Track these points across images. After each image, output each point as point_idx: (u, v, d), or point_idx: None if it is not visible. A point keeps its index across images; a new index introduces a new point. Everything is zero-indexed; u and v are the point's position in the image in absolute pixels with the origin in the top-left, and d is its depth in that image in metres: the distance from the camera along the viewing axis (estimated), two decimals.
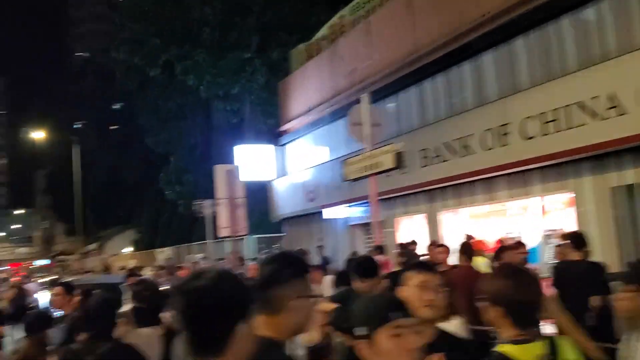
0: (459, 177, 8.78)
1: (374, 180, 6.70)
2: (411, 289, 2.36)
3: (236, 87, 20.35)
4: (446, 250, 5.76)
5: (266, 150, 15.55)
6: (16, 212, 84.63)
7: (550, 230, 8.29)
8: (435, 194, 9.72)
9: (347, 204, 11.83)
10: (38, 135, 39.84)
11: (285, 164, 15.34)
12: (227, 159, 15.41)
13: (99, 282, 11.30)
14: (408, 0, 10.44)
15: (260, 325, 1.51)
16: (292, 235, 15.24)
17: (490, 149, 8.14)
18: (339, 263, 10.93)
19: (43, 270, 36.90)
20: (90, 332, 2.62)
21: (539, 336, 1.85)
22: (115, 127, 39.37)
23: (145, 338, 2.72)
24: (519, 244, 5.06)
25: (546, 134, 7.33)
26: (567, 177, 7.53)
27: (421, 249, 8.17)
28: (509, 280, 1.88)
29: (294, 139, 14.97)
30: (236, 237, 10.26)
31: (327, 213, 12.27)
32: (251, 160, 14.44)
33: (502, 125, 7.93)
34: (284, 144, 15.47)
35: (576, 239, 5.52)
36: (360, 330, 1.55)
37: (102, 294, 3.06)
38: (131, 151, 34.47)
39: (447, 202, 9.57)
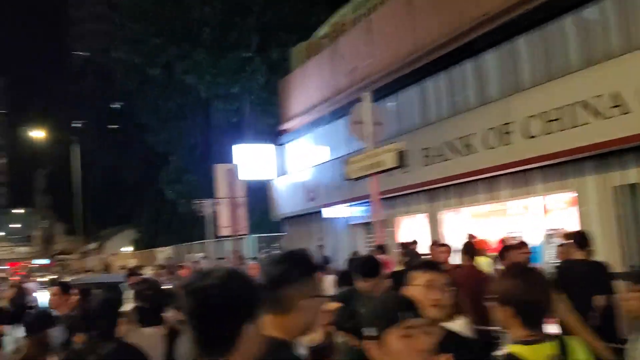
0: (460, 176, 8.76)
1: (375, 179, 6.67)
2: (417, 288, 2.33)
3: (236, 86, 20.34)
4: (448, 249, 5.74)
5: (266, 149, 15.52)
6: (15, 211, 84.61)
7: (552, 229, 8.27)
8: (437, 193, 9.70)
9: (348, 204, 11.80)
10: (38, 134, 39.77)
11: (286, 164, 15.32)
12: (227, 158, 15.38)
13: (100, 281, 11.26)
14: None
15: (268, 325, 1.48)
16: (292, 235, 15.21)
17: (492, 148, 8.11)
18: (339, 263, 10.90)
19: (42, 269, 36.89)
20: (92, 332, 2.60)
21: (548, 336, 1.82)
22: (115, 126, 39.34)
23: (149, 338, 2.70)
24: (522, 244, 5.03)
25: (549, 133, 7.30)
26: (570, 177, 7.51)
27: (422, 249, 8.14)
28: (518, 280, 1.85)
29: (294, 138, 14.94)
30: (237, 236, 10.22)
31: (327, 212, 12.25)
32: (251, 160, 14.42)
33: (504, 124, 7.90)
34: (284, 143, 15.43)
35: (579, 239, 5.50)
36: (369, 331, 1.52)
37: (104, 294, 3.03)
38: (131, 151, 34.45)
39: (449, 202, 9.54)
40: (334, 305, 3.22)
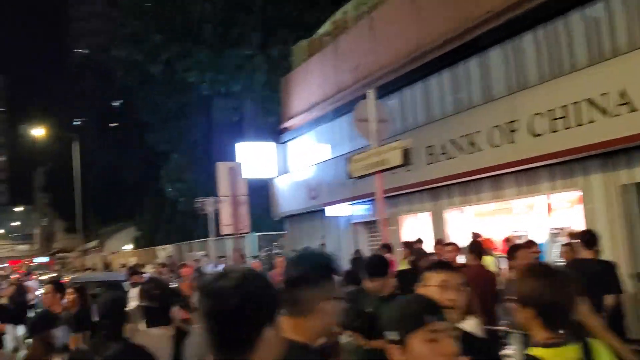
0: (465, 174, 8.69)
1: (380, 177, 6.61)
2: (432, 289, 2.28)
3: (237, 84, 20.27)
4: (455, 248, 5.68)
5: (267, 147, 15.45)
6: (16, 209, 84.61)
7: (557, 228, 8.22)
8: (441, 191, 9.64)
9: (350, 202, 11.74)
10: (38, 132, 39.73)
11: (287, 162, 15.25)
12: (229, 156, 15.31)
13: (101, 279, 11.23)
14: None
15: (286, 327, 1.43)
16: (293, 233, 15.16)
17: (497, 146, 8.05)
18: (342, 261, 10.85)
19: (42, 267, 36.86)
20: (99, 332, 2.55)
21: (572, 339, 1.76)
22: (116, 124, 39.30)
23: (156, 338, 2.64)
24: (532, 243, 4.97)
25: (555, 131, 7.24)
26: (576, 175, 7.45)
27: (426, 248, 8.08)
28: (539, 281, 1.79)
29: (296, 136, 14.88)
30: (238, 234, 10.17)
31: (330, 211, 12.19)
32: (253, 158, 14.36)
33: (509, 122, 7.84)
34: (286, 142, 15.37)
35: (587, 238, 5.45)
36: (392, 335, 1.46)
37: (110, 294, 2.98)
38: (131, 148, 34.41)
39: (453, 200, 9.48)
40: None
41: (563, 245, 6.49)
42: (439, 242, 7.32)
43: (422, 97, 10.29)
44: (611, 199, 7.03)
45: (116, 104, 39.76)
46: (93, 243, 43.90)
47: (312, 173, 13.32)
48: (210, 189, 15.48)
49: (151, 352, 2.47)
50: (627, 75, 6.43)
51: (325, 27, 14.60)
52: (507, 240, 8.24)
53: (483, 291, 4.26)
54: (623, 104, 6.43)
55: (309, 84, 14.19)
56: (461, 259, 6.22)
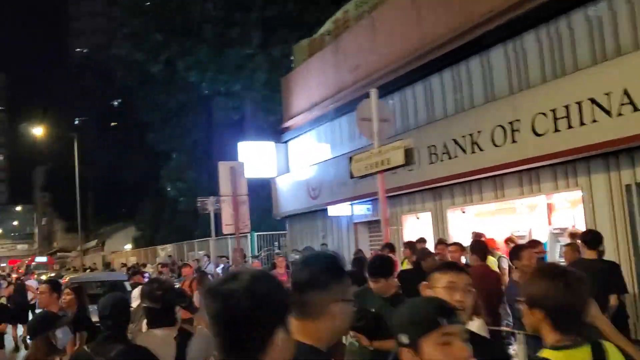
0: (467, 174, 8.66)
1: (382, 177, 6.59)
2: (439, 290, 2.25)
3: (237, 84, 20.24)
4: (459, 248, 5.64)
5: (268, 147, 15.42)
6: (16, 208, 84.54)
7: (559, 228, 8.19)
8: (443, 191, 9.61)
9: (351, 202, 11.72)
10: (38, 131, 39.67)
11: (288, 161, 15.22)
12: (229, 156, 15.28)
13: (102, 279, 11.19)
14: None
15: (296, 330, 1.40)
16: (294, 233, 15.14)
17: (499, 146, 8.02)
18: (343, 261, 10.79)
19: (42, 267, 36.80)
20: (98, 333, 2.52)
21: (583, 341, 1.74)
22: (116, 124, 39.26)
23: (159, 339, 2.61)
24: (536, 243, 4.94)
25: (557, 131, 7.21)
26: (579, 175, 7.42)
27: (428, 248, 8.04)
28: (549, 282, 1.76)
29: (297, 136, 14.85)
30: (240, 234, 10.13)
31: (332, 210, 12.16)
32: (253, 157, 14.32)
33: (511, 121, 7.81)
34: (287, 141, 15.34)
35: (590, 238, 5.43)
36: (403, 338, 1.43)
37: (113, 294, 2.95)
38: (132, 148, 34.37)
39: (455, 200, 9.46)
40: None
41: (565, 245, 6.46)
42: (442, 242, 7.29)
43: (424, 97, 10.26)
44: (614, 199, 7.01)
45: (116, 103, 39.72)
46: (93, 242, 43.85)
47: (312, 173, 13.29)
48: (211, 189, 15.45)
49: (154, 354, 2.44)
50: (630, 74, 6.40)
51: (326, 26, 14.57)
52: (508, 240, 8.22)
53: (488, 292, 4.23)
54: (626, 104, 6.41)
55: (310, 84, 14.16)
56: (462, 259, 6.20)
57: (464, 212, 9.60)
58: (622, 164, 6.93)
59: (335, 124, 13.01)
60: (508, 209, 9.08)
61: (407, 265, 7.30)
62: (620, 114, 6.48)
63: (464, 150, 8.62)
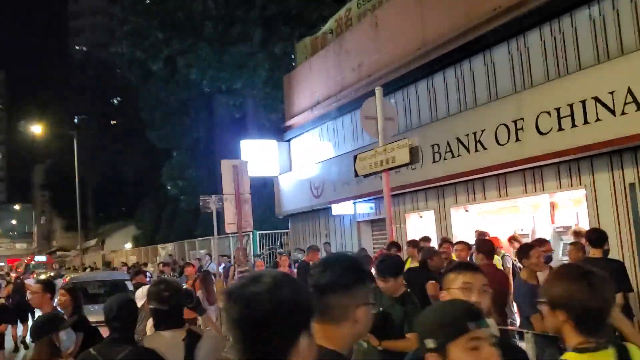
0: (470, 173, 8.64)
1: (387, 176, 6.55)
2: (454, 291, 2.21)
3: (239, 81, 20.17)
4: (465, 247, 5.60)
5: (270, 145, 15.38)
6: (15, 207, 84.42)
7: (562, 227, 8.17)
8: (446, 190, 9.58)
9: (354, 200, 11.68)
10: (37, 129, 39.56)
11: (291, 160, 15.18)
12: (230, 154, 15.24)
13: (104, 279, 11.12)
14: None
15: (318, 335, 1.36)
16: (297, 232, 15.11)
17: (503, 145, 7.99)
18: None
19: (41, 266, 36.74)
20: (111, 334, 2.49)
21: (607, 343, 1.70)
22: (116, 122, 39.20)
23: (167, 341, 2.57)
24: (543, 241, 4.91)
25: (561, 130, 7.19)
26: (583, 173, 7.40)
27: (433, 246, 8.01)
28: (572, 283, 1.73)
29: (299, 134, 14.81)
30: (242, 233, 10.08)
31: (336, 209, 12.13)
32: (256, 156, 14.27)
33: (515, 120, 7.78)
34: (289, 139, 15.30)
35: (595, 236, 5.40)
36: (430, 342, 1.39)
37: (121, 295, 2.91)
38: (132, 146, 34.32)
39: (458, 199, 9.43)
40: None
41: (570, 244, 6.43)
42: (446, 241, 7.25)
43: (427, 96, 10.22)
44: (618, 198, 6.98)
45: (116, 101, 39.64)
46: (93, 241, 43.77)
47: (315, 171, 13.25)
48: (212, 187, 15.43)
49: (162, 356, 2.41)
50: (635, 73, 6.37)
51: (328, 24, 14.52)
52: (512, 238, 8.19)
53: (497, 291, 4.18)
54: (630, 103, 6.38)
55: (312, 82, 14.12)
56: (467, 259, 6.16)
57: (467, 210, 9.57)
58: (625, 163, 6.91)
59: (338, 122, 12.97)
60: (511, 207, 9.05)
61: (410, 264, 7.26)
62: (624, 113, 6.46)
63: (467, 149, 8.59)
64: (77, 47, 67.64)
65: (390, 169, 6.35)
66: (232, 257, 14.43)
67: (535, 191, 8.10)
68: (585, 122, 6.89)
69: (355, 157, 7.10)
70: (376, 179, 8.22)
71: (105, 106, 40.56)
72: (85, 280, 10.72)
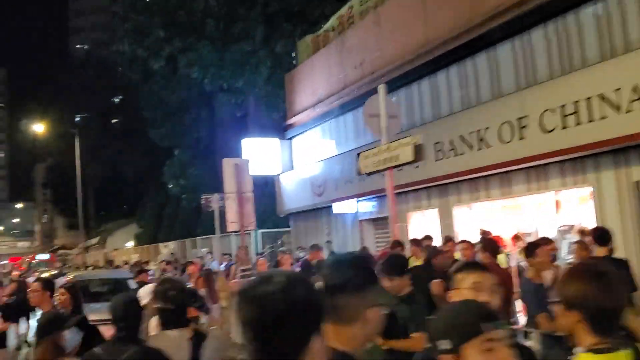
0: (473, 171, 8.60)
1: (390, 174, 6.52)
2: (464, 291, 2.18)
3: (240, 80, 20.13)
4: (470, 246, 5.57)
5: (272, 144, 15.35)
6: (16, 205, 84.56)
7: (566, 225, 8.13)
8: (449, 188, 9.54)
9: (357, 199, 11.65)
10: (38, 128, 39.59)
11: (292, 158, 15.15)
12: (232, 152, 15.20)
13: (106, 277, 11.10)
14: None
15: (329, 336, 1.33)
16: (298, 231, 15.08)
17: (507, 143, 7.95)
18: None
19: (43, 264, 36.79)
20: (116, 334, 2.46)
21: (622, 344, 1.67)
22: (118, 120, 39.20)
23: (173, 341, 2.55)
24: (548, 240, 4.88)
25: (566, 127, 7.14)
26: (588, 172, 7.36)
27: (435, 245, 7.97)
28: (587, 282, 1.69)
29: (301, 133, 14.78)
30: (244, 231, 10.05)
31: (337, 208, 12.10)
32: (257, 154, 14.24)
33: (519, 118, 7.74)
34: (291, 138, 15.27)
35: (600, 235, 5.37)
36: (444, 344, 1.36)
37: (126, 295, 2.88)
38: (133, 145, 34.32)
39: (461, 197, 9.39)
40: None
41: (575, 243, 6.40)
42: (450, 239, 7.22)
43: (430, 93, 10.18)
44: (623, 196, 6.94)
45: (118, 99, 39.64)
46: (94, 240, 43.81)
47: (317, 169, 13.22)
48: (214, 185, 15.39)
49: (168, 356, 2.38)
50: None
51: (330, 22, 14.47)
52: (515, 237, 8.15)
53: (503, 291, 4.16)
54: (636, 100, 6.34)
55: (314, 80, 14.08)
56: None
57: (470, 208, 9.53)
58: (631, 161, 6.87)
59: (340, 120, 12.94)
60: (514, 206, 9.01)
61: (412, 263, 7.24)
62: (629, 110, 6.41)
63: (470, 147, 8.55)
64: (78, 46, 67.63)
65: (395, 167, 6.32)
66: (232, 255, 14.40)
67: (539, 189, 8.06)
68: (591, 119, 6.85)
69: (358, 155, 7.07)
70: (379, 177, 8.19)
71: (106, 105, 40.57)
72: (89, 279, 10.71)
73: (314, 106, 13.86)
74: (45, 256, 44.00)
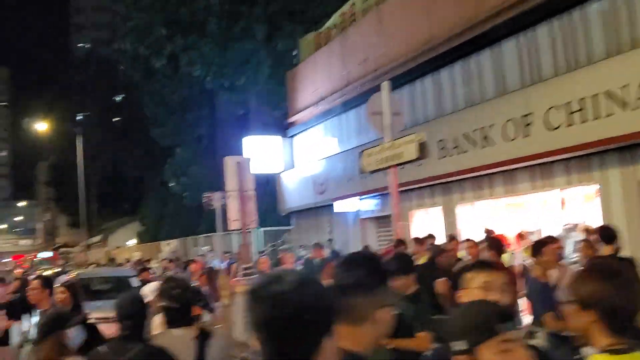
0: (478, 169, 8.55)
1: (394, 172, 6.48)
2: (474, 291, 2.13)
3: (242, 78, 20.09)
4: (475, 244, 5.52)
5: (273, 142, 15.30)
6: (19, 204, 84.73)
7: (571, 223, 8.07)
8: (453, 186, 9.50)
9: (359, 197, 11.61)
10: (41, 126, 39.61)
11: (294, 156, 15.11)
12: (234, 150, 15.14)
13: (108, 275, 11.09)
14: None
15: (339, 336, 1.29)
16: (300, 229, 15.05)
17: (511, 140, 7.90)
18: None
19: (46, 262, 36.84)
20: (121, 332, 2.44)
21: (639, 345, 1.63)
22: (119, 118, 39.21)
23: (178, 339, 2.52)
24: (554, 239, 4.83)
25: (571, 125, 7.09)
26: (593, 169, 7.31)
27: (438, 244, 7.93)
28: (604, 282, 1.65)
29: (303, 130, 14.74)
30: (246, 230, 10.01)
31: (339, 206, 12.06)
32: (259, 152, 14.20)
33: (524, 115, 7.69)
34: (292, 136, 15.23)
35: (606, 233, 5.32)
36: (459, 345, 1.32)
37: (131, 293, 2.85)
38: (135, 143, 34.33)
39: (465, 195, 9.34)
40: None
41: (581, 242, 6.35)
42: (453, 238, 7.18)
43: (434, 91, 10.13)
44: (629, 194, 6.89)
45: (119, 98, 39.64)
46: (96, 238, 43.86)
47: (319, 168, 13.18)
48: (215, 184, 15.35)
49: (173, 354, 2.35)
50: None
51: (332, 20, 14.42)
52: (519, 236, 8.10)
53: (513, 290, 4.12)
54: None
55: (316, 78, 14.03)
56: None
57: (473, 206, 9.49)
58: (637, 159, 6.81)
59: (342, 118, 12.89)
60: (518, 204, 8.96)
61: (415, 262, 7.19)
62: (636, 108, 6.36)
63: (474, 145, 8.50)
64: (79, 45, 67.64)
65: (398, 164, 6.28)
66: (232, 253, 14.38)
67: (544, 188, 8.01)
68: (596, 117, 6.80)
69: (361, 152, 7.03)
70: (381, 176, 8.15)
71: (108, 103, 40.57)
72: (91, 277, 10.70)
73: (315, 104, 13.82)
74: (47, 254, 44.10)
